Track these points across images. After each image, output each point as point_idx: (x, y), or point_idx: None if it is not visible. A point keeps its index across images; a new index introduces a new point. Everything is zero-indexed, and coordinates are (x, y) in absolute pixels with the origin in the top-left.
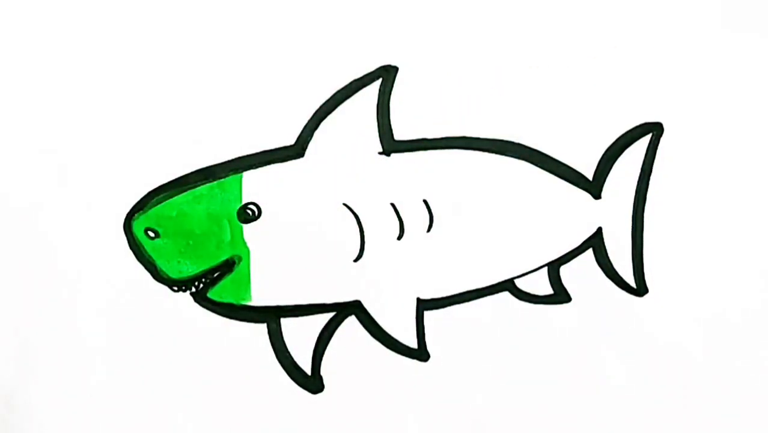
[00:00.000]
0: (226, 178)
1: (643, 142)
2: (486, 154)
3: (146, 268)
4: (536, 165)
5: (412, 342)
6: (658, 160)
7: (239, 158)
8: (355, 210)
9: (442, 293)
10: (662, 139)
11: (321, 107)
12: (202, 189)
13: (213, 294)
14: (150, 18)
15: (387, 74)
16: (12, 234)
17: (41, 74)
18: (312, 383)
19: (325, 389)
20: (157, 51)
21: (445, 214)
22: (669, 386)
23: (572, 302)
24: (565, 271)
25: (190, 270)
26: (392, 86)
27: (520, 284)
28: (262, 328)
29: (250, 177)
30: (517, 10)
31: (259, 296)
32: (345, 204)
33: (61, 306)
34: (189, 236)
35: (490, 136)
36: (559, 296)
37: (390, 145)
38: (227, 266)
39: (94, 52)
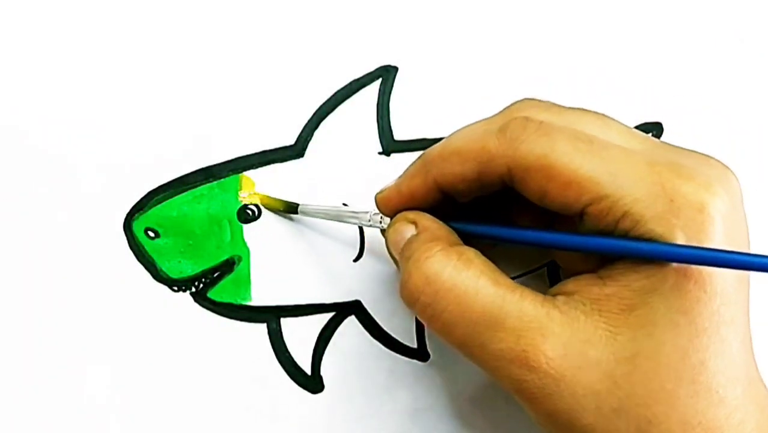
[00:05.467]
0: (226, 178)
1: None
2: None
3: (146, 268)
4: None
5: (412, 342)
6: None
7: (239, 158)
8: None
9: None
10: (662, 139)
11: (321, 107)
12: (202, 189)
13: (213, 294)
14: (149, 18)
15: (387, 74)
16: (11, 234)
17: (42, 74)
18: (312, 383)
19: (325, 389)
20: (157, 51)
21: None
22: None
23: None
24: None
25: (190, 270)
26: (392, 86)
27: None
28: (262, 328)
29: (250, 177)
30: (517, 10)
31: (259, 296)
32: (345, 204)
33: (60, 306)
34: (189, 236)
35: None
36: None
37: (390, 145)
38: (227, 266)
39: (94, 52)
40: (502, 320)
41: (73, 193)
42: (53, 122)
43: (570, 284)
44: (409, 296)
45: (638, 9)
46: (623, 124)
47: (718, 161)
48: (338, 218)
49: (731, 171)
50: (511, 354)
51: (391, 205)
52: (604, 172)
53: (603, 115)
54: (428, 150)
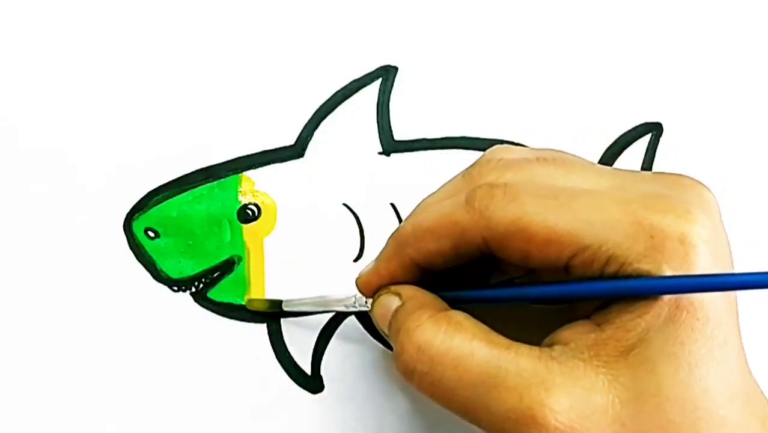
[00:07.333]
0: (226, 178)
1: (643, 142)
2: None
3: (146, 268)
4: None
5: None
6: (658, 160)
7: (239, 158)
8: (355, 210)
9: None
10: (662, 139)
11: (321, 107)
12: (202, 189)
13: (213, 294)
14: (150, 17)
15: (387, 74)
16: (11, 234)
17: (42, 74)
18: (312, 383)
19: (325, 389)
20: (157, 51)
21: None
22: None
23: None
24: None
25: (190, 270)
26: (392, 86)
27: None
28: (262, 328)
29: (250, 177)
30: (517, 9)
31: (259, 296)
32: (345, 204)
33: (60, 306)
34: (189, 236)
35: (490, 136)
36: None
37: (390, 145)
38: (227, 266)
39: (94, 51)
40: (502, 379)
41: (73, 193)
42: (54, 122)
43: (565, 333)
44: (404, 367)
45: (638, 9)
46: (588, 163)
47: (690, 179)
48: (324, 306)
49: (705, 187)
50: (517, 414)
51: (373, 288)
52: (579, 222)
53: (565, 158)
54: (400, 229)
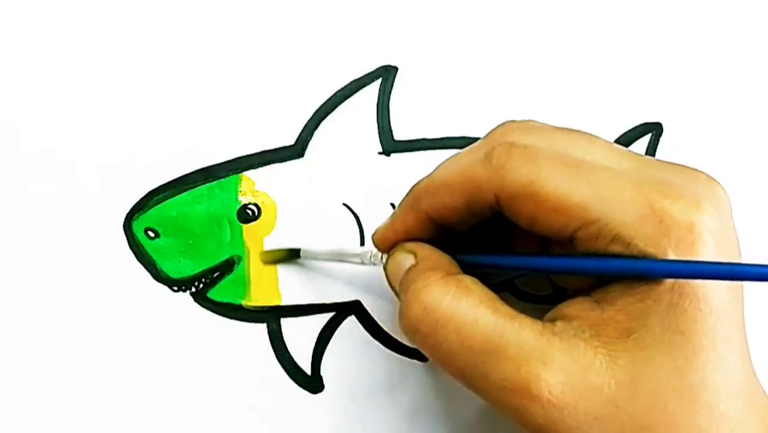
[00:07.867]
0: (226, 178)
1: (643, 142)
2: None
3: (146, 268)
4: None
5: None
6: None
7: (239, 158)
8: (355, 210)
9: None
10: (662, 139)
11: (321, 107)
12: (202, 189)
13: (213, 294)
14: (150, 17)
15: (387, 74)
16: (11, 234)
17: (42, 74)
18: (312, 383)
19: (325, 389)
20: (157, 51)
21: None
22: None
23: None
24: None
25: (190, 270)
26: (392, 86)
27: (520, 284)
28: (262, 328)
29: (250, 177)
30: (517, 9)
31: (259, 299)
32: (345, 204)
33: (60, 306)
34: (189, 236)
35: None
36: (559, 295)
37: (390, 145)
38: (227, 266)
39: (94, 51)
40: (503, 348)
41: (74, 193)
42: (54, 122)
43: (567, 309)
44: (408, 326)
45: (638, 9)
46: (609, 142)
47: (705, 174)
48: (340, 258)
49: (719, 184)
50: (513, 383)
51: (389, 243)
52: (592, 196)
53: (588, 134)
54: (417, 184)
